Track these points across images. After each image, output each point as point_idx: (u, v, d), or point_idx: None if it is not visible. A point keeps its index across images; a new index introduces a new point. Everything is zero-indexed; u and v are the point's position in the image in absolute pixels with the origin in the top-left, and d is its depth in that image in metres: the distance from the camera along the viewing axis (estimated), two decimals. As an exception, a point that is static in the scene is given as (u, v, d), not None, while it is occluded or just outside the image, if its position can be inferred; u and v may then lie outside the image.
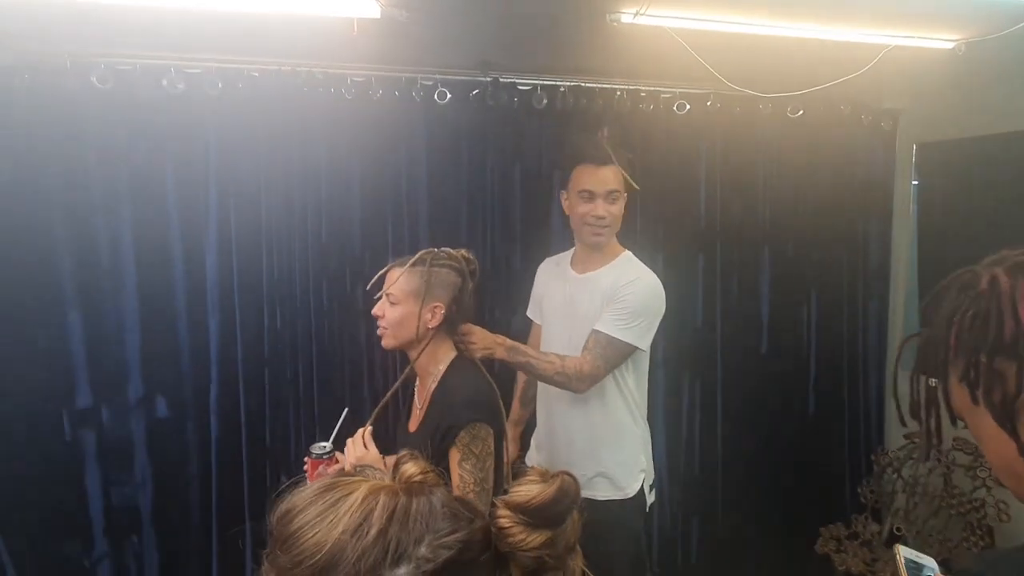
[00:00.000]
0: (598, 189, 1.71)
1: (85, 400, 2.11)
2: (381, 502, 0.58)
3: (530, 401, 2.02)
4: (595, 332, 1.68)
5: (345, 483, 0.60)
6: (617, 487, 1.78)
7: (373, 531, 0.56)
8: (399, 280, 1.45)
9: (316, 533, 0.56)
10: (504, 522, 0.64)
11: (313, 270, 2.22)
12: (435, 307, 1.45)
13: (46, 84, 1.95)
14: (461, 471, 1.38)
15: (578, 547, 0.69)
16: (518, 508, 0.64)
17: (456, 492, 1.36)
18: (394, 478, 0.64)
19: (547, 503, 0.64)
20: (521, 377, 2.07)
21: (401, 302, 1.45)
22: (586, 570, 0.70)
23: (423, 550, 0.57)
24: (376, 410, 1.49)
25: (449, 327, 1.49)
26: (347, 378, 2.30)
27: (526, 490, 0.65)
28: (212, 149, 2.11)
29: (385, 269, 1.50)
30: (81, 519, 2.14)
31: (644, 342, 1.71)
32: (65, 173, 2.02)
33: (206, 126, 2.10)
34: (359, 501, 0.58)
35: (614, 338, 1.67)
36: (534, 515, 0.64)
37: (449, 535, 0.58)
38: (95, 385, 2.11)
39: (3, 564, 2.09)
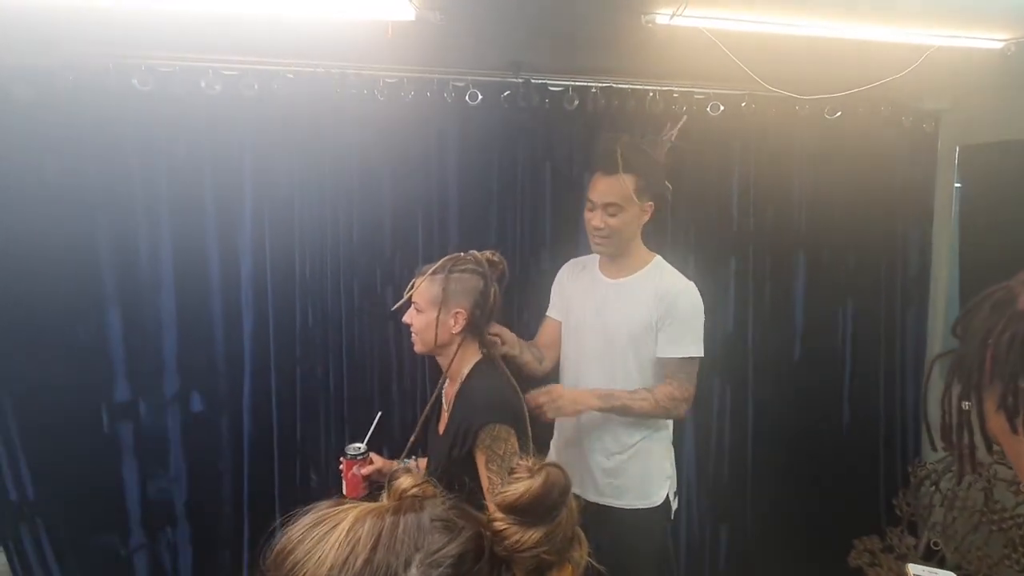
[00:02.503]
0: (597, 200, 1.72)
1: (123, 394, 2.16)
2: (366, 528, 0.56)
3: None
4: (668, 360, 1.71)
5: (333, 514, 0.58)
6: (643, 495, 1.76)
7: (359, 561, 0.54)
8: (421, 288, 1.49)
9: (305, 573, 0.55)
10: (499, 525, 0.62)
11: (344, 270, 2.23)
12: (456, 313, 1.47)
13: (89, 85, 1.99)
14: (488, 473, 1.39)
15: (582, 537, 0.67)
16: (510, 508, 0.62)
17: (487, 495, 1.36)
18: (389, 494, 0.62)
19: (536, 498, 0.62)
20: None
21: (425, 310, 1.49)
22: (592, 561, 0.69)
23: (413, 571, 0.55)
24: (409, 445, 1.49)
25: (474, 331, 1.49)
26: (376, 377, 2.31)
27: (514, 488, 0.63)
28: (248, 149, 2.14)
29: (414, 281, 1.52)
30: (118, 510, 2.20)
31: (703, 348, 1.74)
32: (107, 172, 2.06)
33: (242, 126, 2.12)
34: (345, 532, 0.56)
35: (686, 358, 1.71)
36: (526, 512, 0.62)
37: (440, 551, 0.56)
38: (133, 380, 2.16)
39: (44, 552, 2.15)
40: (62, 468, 2.13)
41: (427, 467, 1.59)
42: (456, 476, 1.39)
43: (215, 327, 2.19)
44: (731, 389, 2.61)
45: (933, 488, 2.45)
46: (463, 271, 1.48)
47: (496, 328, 1.68)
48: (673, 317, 1.69)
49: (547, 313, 2.04)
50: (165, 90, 2.03)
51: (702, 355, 1.73)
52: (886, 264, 2.68)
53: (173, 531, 2.25)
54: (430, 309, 1.48)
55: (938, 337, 2.77)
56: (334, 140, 2.18)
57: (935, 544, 2.39)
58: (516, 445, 1.41)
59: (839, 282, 2.65)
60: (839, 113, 2.45)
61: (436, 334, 1.47)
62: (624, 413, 1.70)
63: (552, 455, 1.96)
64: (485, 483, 1.38)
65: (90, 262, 2.09)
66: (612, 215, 1.70)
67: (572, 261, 2.01)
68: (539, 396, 1.61)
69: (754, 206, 2.53)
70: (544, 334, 2.00)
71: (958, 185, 2.69)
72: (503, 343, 1.68)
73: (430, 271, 1.49)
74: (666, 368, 1.73)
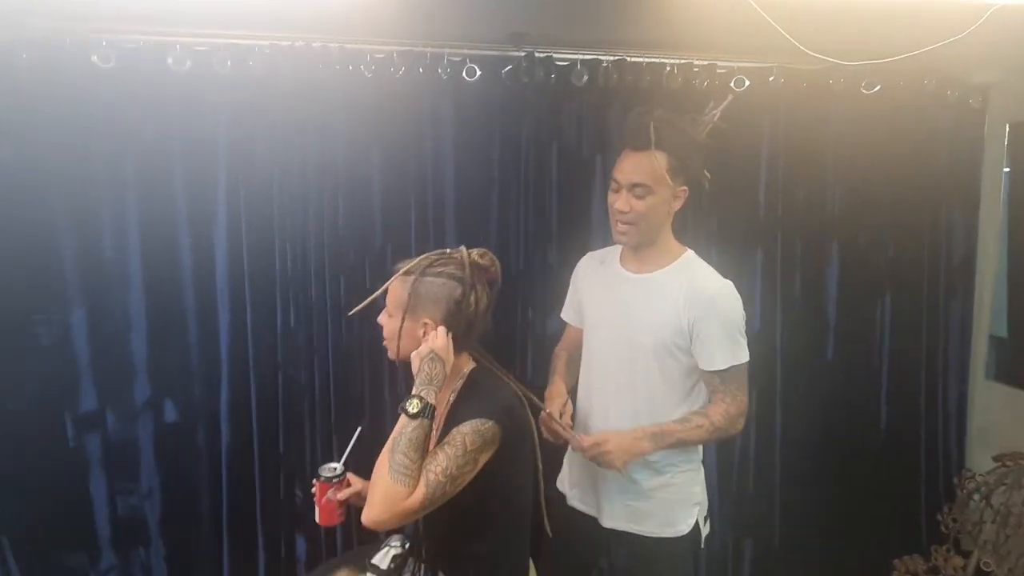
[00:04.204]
0: (622, 179, 1.49)
1: (89, 403, 1.99)
2: None
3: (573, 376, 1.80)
4: (715, 373, 1.49)
5: None
6: (667, 523, 1.55)
7: None
8: (392, 288, 1.32)
9: None
10: None
11: (330, 265, 2.04)
12: (425, 323, 1.28)
13: (44, 63, 1.82)
14: (439, 449, 1.19)
15: None
16: None
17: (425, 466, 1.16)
18: None
19: None
20: (560, 358, 1.81)
21: (393, 314, 1.31)
22: None
23: None
24: None
25: (454, 344, 1.29)
26: (366, 382, 2.12)
27: None
28: (221, 132, 1.96)
29: (392, 279, 1.34)
30: (86, 529, 2.04)
31: (747, 350, 1.53)
32: (66, 159, 1.89)
33: (215, 107, 1.94)
34: None
35: (732, 367, 1.49)
36: None
37: None
38: (100, 387, 2.00)
39: (9, 573, 1.99)
40: (25, 483, 1.97)
41: None
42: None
43: (189, 328, 2.02)
44: (757, 392, 2.37)
45: (983, 502, 2.23)
46: (438, 275, 1.29)
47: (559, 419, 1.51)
48: (712, 324, 1.47)
49: (564, 317, 1.83)
50: (129, 68, 1.87)
51: (746, 360, 1.52)
52: (928, 253, 2.45)
53: (146, 551, 2.08)
54: (397, 314, 1.29)
55: (983, 333, 2.54)
56: (317, 121, 1.99)
57: (986, 565, 2.16)
58: (491, 454, 1.22)
59: (876, 274, 2.42)
60: (878, 87, 2.22)
61: (399, 344, 1.30)
62: (682, 447, 1.51)
63: (565, 471, 1.76)
64: (428, 459, 1.18)
65: (50, 257, 1.92)
66: (639, 197, 1.48)
67: (589, 255, 1.78)
68: (585, 445, 1.46)
69: (783, 191, 2.30)
70: (568, 340, 1.80)
71: (1007, 168, 2.45)
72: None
73: (403, 270, 1.30)
74: (712, 382, 1.51)
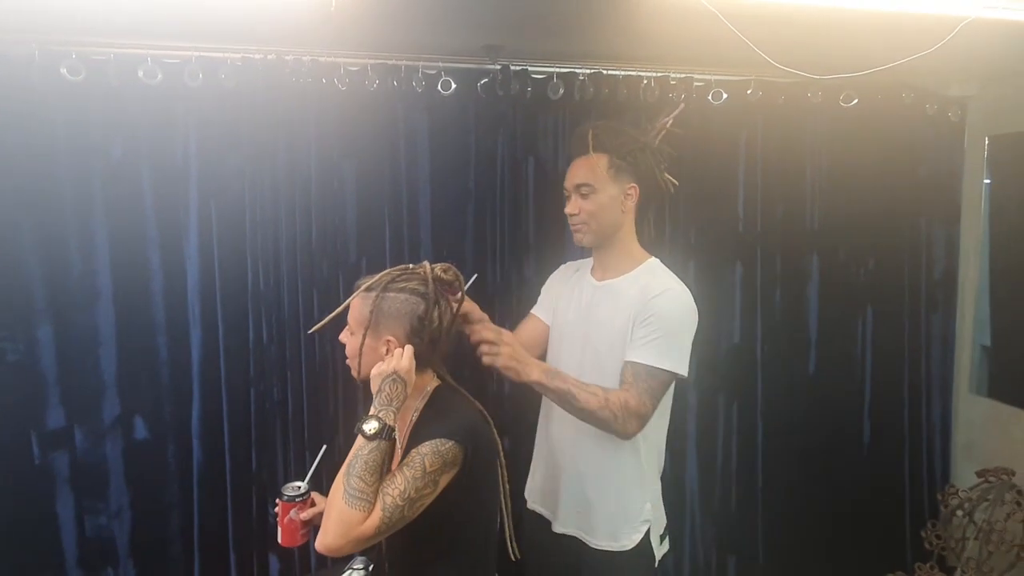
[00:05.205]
0: (569, 185, 1.57)
1: (56, 420, 1.94)
2: None
3: None
4: (631, 364, 1.43)
5: None
6: (611, 536, 1.53)
7: None
8: (354, 305, 1.29)
9: None
10: None
11: (303, 279, 2.01)
12: (387, 340, 1.24)
13: (11, 76, 1.79)
14: (397, 472, 1.15)
15: None
16: None
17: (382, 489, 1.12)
18: None
19: None
20: None
21: (355, 332, 1.28)
22: None
23: None
24: None
25: (417, 361, 1.26)
26: (340, 398, 2.08)
27: None
28: (192, 145, 1.93)
29: (353, 296, 1.31)
30: (53, 550, 1.97)
31: (685, 367, 1.45)
32: (33, 173, 1.85)
33: (186, 120, 1.91)
34: None
35: (653, 367, 1.42)
36: None
37: None
38: (67, 404, 1.94)
39: (-27, 596, 1.94)
40: (-12, 503, 1.92)
41: None
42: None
43: (159, 344, 1.97)
44: (738, 406, 2.36)
45: (966, 518, 2.20)
46: (400, 290, 1.26)
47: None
48: (646, 318, 1.44)
49: (532, 311, 1.80)
50: (99, 80, 1.83)
51: (676, 372, 1.43)
52: (909, 266, 2.44)
53: (115, 572, 2.02)
54: (359, 332, 1.26)
55: (966, 346, 2.52)
56: (290, 134, 1.97)
57: (970, 581, 2.13)
58: (454, 476, 1.18)
59: (857, 287, 2.41)
60: (856, 100, 2.22)
61: (360, 362, 1.26)
62: (565, 400, 1.41)
63: (535, 478, 1.73)
64: (386, 480, 1.13)
65: (17, 273, 1.87)
66: (584, 196, 1.52)
67: (568, 264, 1.81)
68: (486, 332, 1.40)
69: (762, 204, 2.29)
70: (523, 331, 1.75)
71: (987, 180, 2.45)
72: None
73: (364, 286, 1.27)
74: (625, 373, 1.44)
